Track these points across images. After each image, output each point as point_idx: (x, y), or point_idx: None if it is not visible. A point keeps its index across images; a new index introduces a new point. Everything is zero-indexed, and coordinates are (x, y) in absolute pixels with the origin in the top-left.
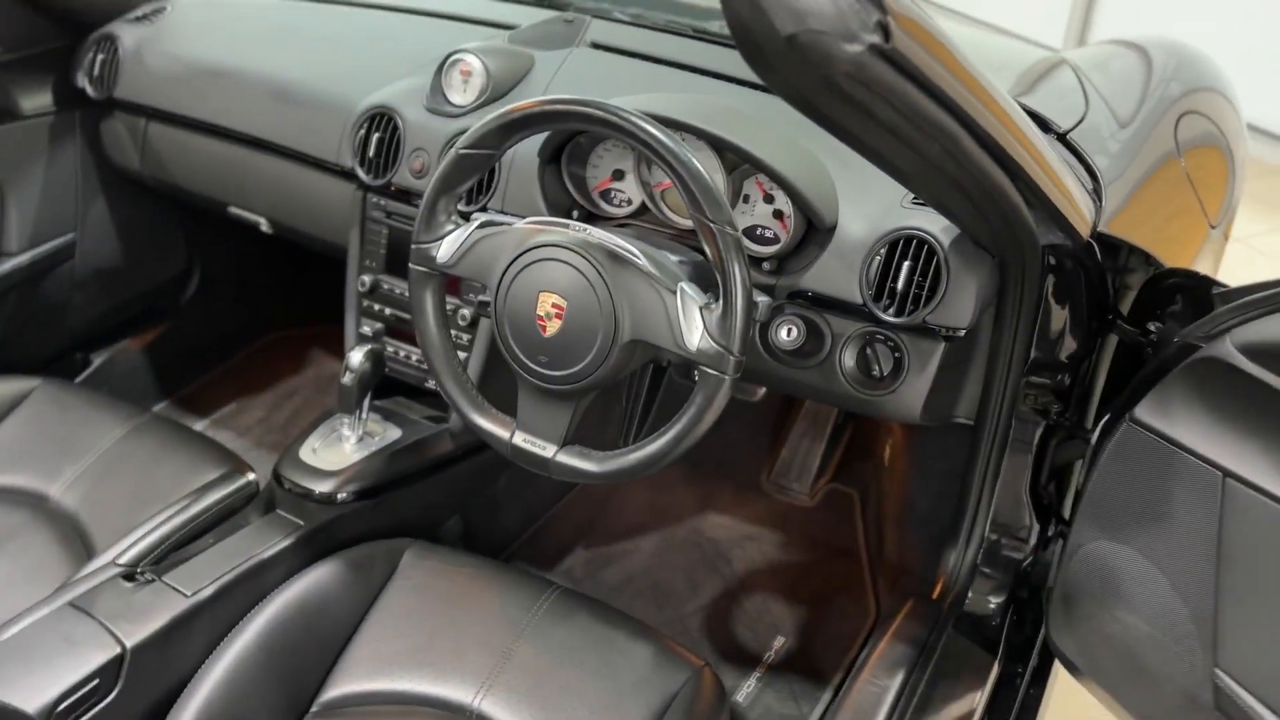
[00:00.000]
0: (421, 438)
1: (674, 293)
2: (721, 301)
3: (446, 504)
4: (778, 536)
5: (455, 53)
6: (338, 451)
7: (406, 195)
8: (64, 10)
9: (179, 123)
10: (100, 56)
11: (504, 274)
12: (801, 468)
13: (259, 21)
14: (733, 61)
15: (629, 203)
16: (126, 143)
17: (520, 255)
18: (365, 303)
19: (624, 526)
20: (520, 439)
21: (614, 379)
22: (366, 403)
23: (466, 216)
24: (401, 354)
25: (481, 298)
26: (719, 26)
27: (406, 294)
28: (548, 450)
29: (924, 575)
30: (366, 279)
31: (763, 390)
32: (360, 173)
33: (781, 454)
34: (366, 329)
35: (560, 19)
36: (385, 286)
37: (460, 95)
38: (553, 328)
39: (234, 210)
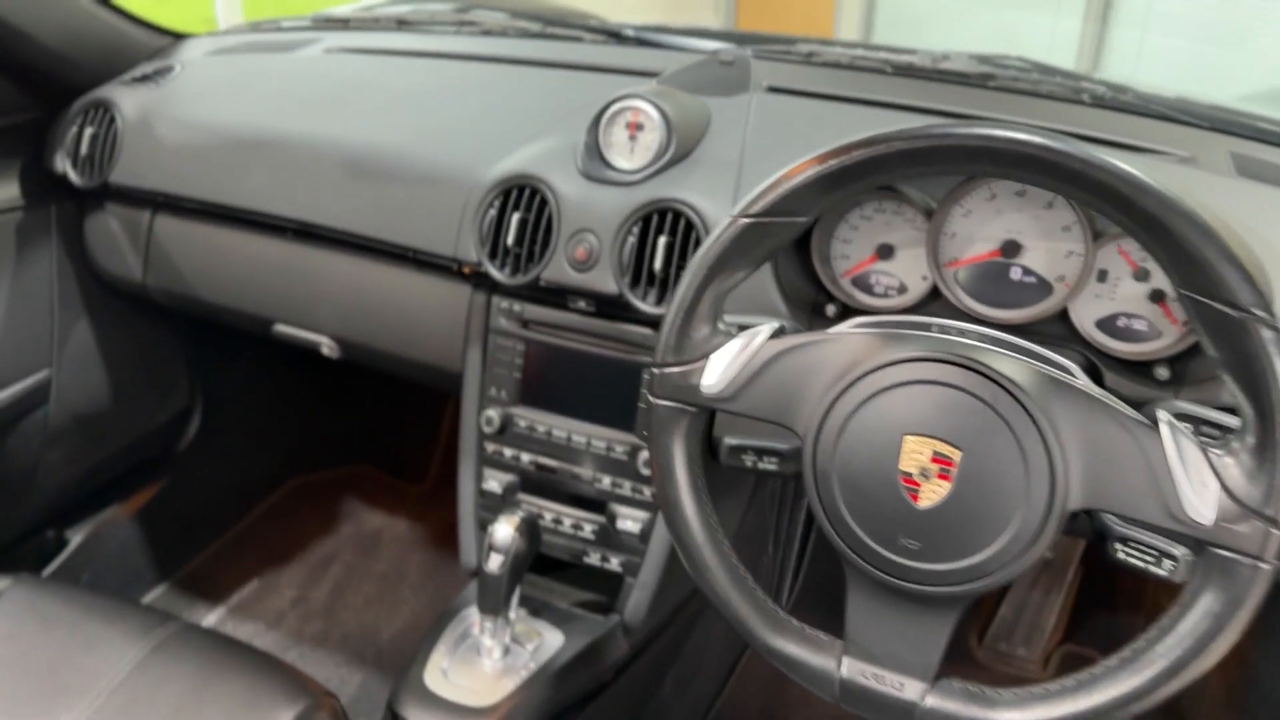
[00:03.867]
0: (592, 642)
1: (1155, 430)
2: (1255, 437)
3: None
4: None
5: (621, 99)
6: (476, 673)
7: (560, 295)
8: (38, 73)
9: (202, 214)
10: (90, 130)
11: (829, 411)
12: (1031, 627)
13: (311, 78)
14: (967, 100)
15: (899, 290)
16: (123, 245)
17: (860, 379)
18: (491, 448)
19: None
20: (855, 671)
21: (1032, 569)
22: (515, 597)
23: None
24: (548, 517)
25: (751, 443)
26: (931, 61)
27: (551, 433)
28: (907, 689)
29: None
30: (494, 414)
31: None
32: (492, 269)
33: (1000, 611)
34: (494, 484)
35: (715, 60)
36: (522, 424)
37: (627, 156)
38: (933, 494)
39: (282, 329)
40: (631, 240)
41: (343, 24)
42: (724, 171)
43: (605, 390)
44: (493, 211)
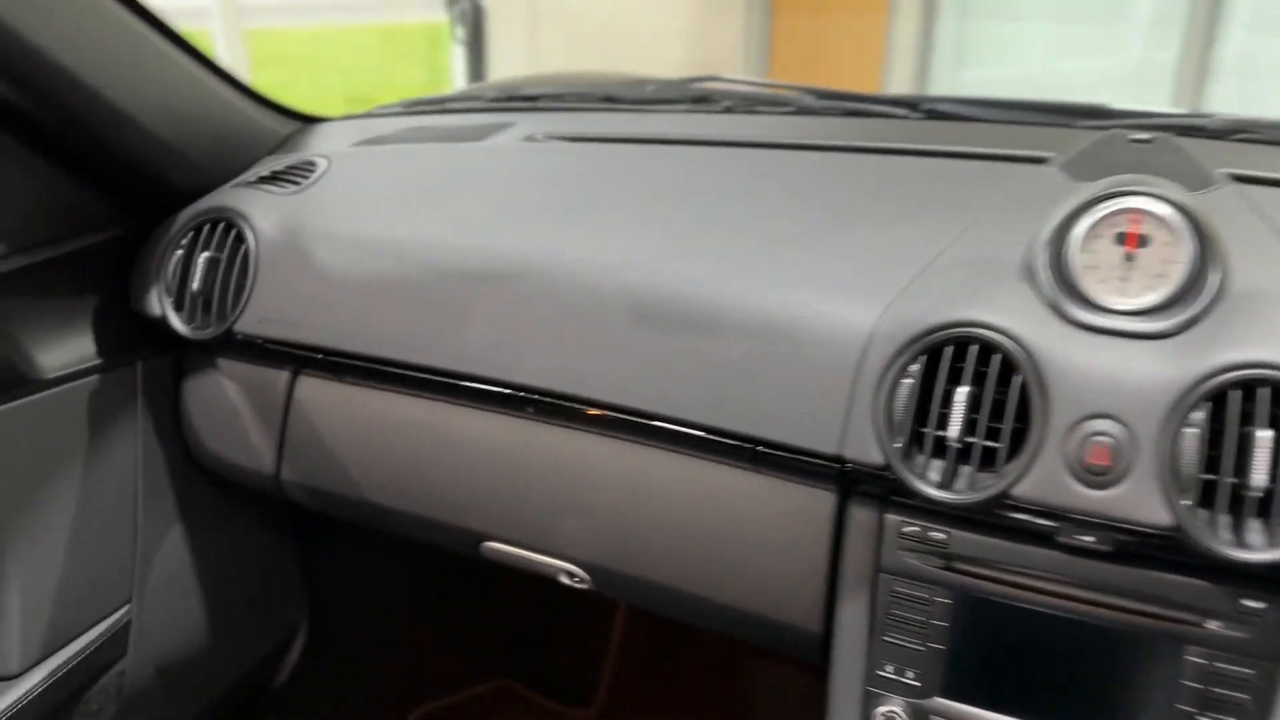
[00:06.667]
0: None
1: None
2: None
3: None
4: None
5: (1112, 196)
6: None
7: (1053, 520)
8: (128, 170)
9: (371, 374)
10: (205, 255)
11: None
12: None
13: (529, 176)
14: None
15: None
16: (246, 421)
17: None
18: None
19: None
20: None
21: None
22: None
23: None
24: None
25: None
26: None
27: None
28: None
29: None
30: (897, 711)
31: None
32: (915, 479)
33: None
34: None
35: (1122, 139)
36: None
37: (1119, 289)
38: None
39: (498, 549)
40: (1191, 434)
41: (530, 103)
42: None
43: (1117, 680)
44: (908, 382)
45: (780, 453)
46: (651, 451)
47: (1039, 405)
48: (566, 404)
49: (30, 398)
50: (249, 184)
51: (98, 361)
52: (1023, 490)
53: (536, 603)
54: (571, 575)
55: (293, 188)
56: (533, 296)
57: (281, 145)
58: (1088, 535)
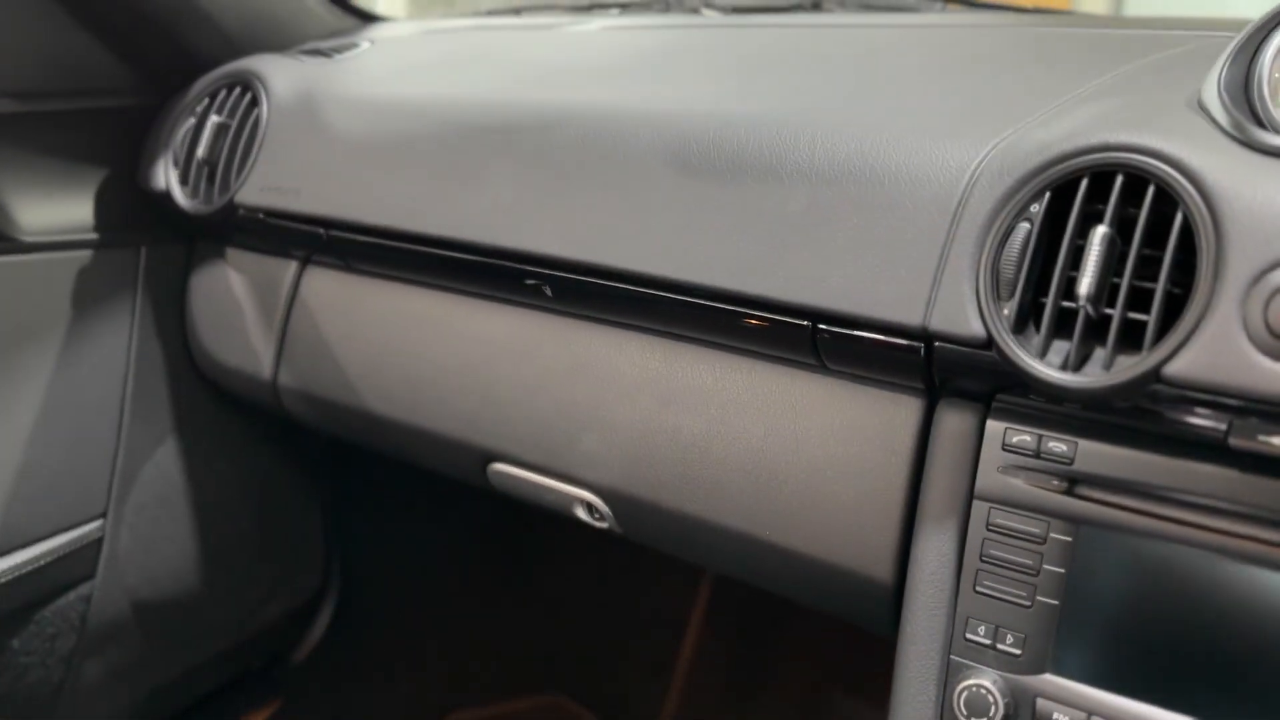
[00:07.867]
0: None
1: None
2: None
3: None
4: None
5: None
6: None
7: (1226, 414)
8: (161, 37)
9: (397, 260)
10: (214, 119)
11: None
12: None
13: (596, 50)
14: None
15: None
16: (248, 318)
17: None
18: None
19: None
20: None
21: None
22: None
23: None
24: None
25: None
26: None
27: None
28: None
29: None
30: (987, 688)
31: None
32: (1028, 357)
33: None
34: None
35: None
36: None
37: None
38: None
39: (506, 472)
40: None
41: (620, 7)
42: None
43: None
44: (1025, 227)
45: (847, 331)
46: (686, 349)
47: (1209, 251)
48: (588, 280)
49: (5, 258)
50: (283, 54)
51: (93, 236)
52: (1182, 367)
53: (599, 606)
54: (590, 508)
55: (323, 59)
56: (555, 148)
57: (334, 35)
58: (1271, 432)
